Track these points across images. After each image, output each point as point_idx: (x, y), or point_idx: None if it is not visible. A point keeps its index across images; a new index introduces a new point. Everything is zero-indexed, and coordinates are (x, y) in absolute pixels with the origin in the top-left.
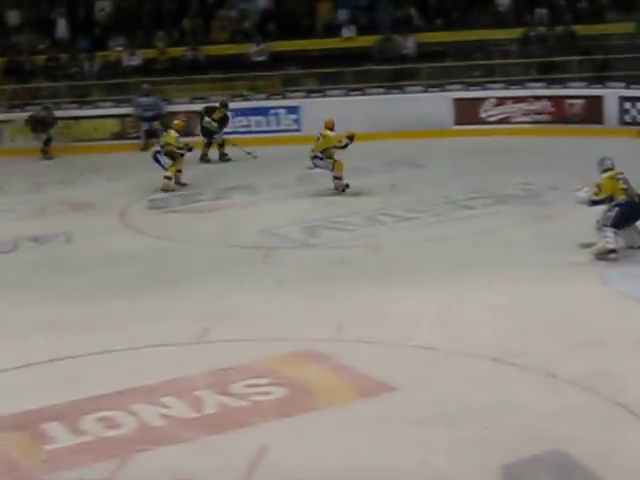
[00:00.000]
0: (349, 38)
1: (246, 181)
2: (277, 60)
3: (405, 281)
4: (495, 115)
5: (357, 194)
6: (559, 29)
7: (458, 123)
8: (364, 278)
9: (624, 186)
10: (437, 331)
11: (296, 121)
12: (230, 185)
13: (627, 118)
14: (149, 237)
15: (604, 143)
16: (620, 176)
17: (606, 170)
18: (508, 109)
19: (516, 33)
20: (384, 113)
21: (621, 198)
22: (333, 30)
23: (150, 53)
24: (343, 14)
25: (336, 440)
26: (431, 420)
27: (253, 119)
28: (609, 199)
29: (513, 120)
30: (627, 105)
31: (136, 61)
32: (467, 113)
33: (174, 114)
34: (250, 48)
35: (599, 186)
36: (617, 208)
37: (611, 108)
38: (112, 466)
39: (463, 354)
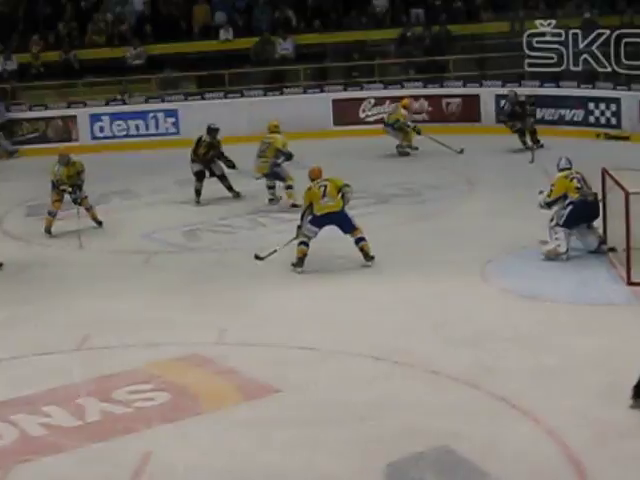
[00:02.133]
0: (227, 40)
1: (125, 186)
2: (155, 63)
3: (287, 282)
4: (374, 115)
5: (238, 196)
6: (435, 29)
7: (337, 124)
8: (246, 280)
9: (578, 185)
10: (320, 331)
11: (175, 124)
12: (109, 190)
13: None
14: (28, 244)
15: (482, 141)
16: (574, 175)
17: (562, 170)
18: (387, 109)
19: (393, 34)
20: (263, 115)
21: (574, 197)
22: (210, 32)
23: (25, 58)
24: (220, 16)
25: (220, 443)
26: (315, 420)
27: (132, 123)
28: (563, 198)
29: None
30: (503, 103)
31: (12, 66)
32: (346, 114)
33: (15, 121)
34: (127, 51)
35: (552, 186)
36: (570, 207)
37: (488, 106)
38: None
39: (346, 354)
